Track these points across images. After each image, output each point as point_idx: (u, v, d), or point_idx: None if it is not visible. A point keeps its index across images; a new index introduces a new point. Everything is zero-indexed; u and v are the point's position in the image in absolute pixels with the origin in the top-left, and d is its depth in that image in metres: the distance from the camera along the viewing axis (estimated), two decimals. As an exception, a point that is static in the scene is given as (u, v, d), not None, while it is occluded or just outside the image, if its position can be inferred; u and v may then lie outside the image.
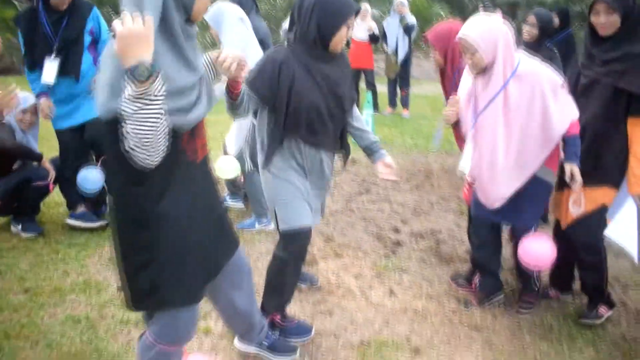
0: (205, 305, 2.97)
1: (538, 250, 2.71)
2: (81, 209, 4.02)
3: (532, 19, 4.16)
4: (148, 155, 1.56)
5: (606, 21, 2.60)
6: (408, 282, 3.46)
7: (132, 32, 1.47)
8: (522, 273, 3.09)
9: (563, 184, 2.83)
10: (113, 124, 1.56)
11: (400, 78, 8.84)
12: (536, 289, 3.15)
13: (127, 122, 1.50)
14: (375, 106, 8.58)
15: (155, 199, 1.74)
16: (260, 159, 2.58)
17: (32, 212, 3.95)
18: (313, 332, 2.79)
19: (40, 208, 4.06)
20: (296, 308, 3.07)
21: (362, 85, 8.73)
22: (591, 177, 2.72)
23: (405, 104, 8.99)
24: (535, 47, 3.92)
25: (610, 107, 2.67)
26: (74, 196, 3.99)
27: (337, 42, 2.39)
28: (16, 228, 3.88)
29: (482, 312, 3.13)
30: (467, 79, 2.89)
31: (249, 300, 2.36)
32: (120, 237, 1.82)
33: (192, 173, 1.82)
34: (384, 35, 8.63)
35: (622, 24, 2.60)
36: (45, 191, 3.92)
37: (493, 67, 2.64)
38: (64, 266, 3.46)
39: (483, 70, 2.68)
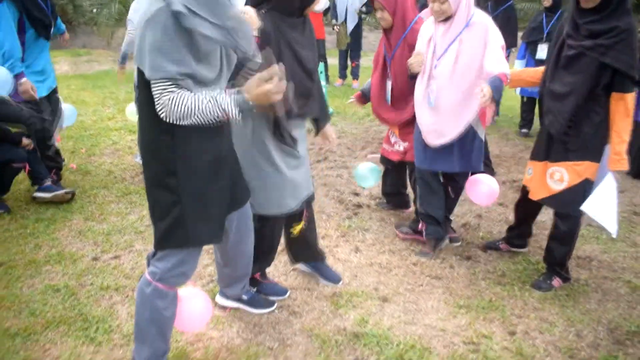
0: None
1: (483, 188, 3.37)
2: (47, 182, 4.02)
3: None
4: (184, 121, 1.82)
5: None
6: (371, 240, 3.68)
7: (278, 92, 1.79)
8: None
9: (541, 156, 3.00)
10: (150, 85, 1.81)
11: (351, 50, 8.99)
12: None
13: (195, 114, 1.79)
14: (326, 78, 8.72)
15: (181, 146, 1.93)
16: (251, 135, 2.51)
17: (3, 193, 3.94)
18: (288, 294, 2.97)
19: (8, 189, 4.03)
20: (270, 268, 3.23)
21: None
22: (573, 152, 2.83)
23: (355, 75, 9.17)
24: (551, 10, 4.46)
25: (593, 81, 2.70)
26: (42, 170, 4.02)
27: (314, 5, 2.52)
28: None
29: (441, 263, 3.39)
30: (427, 29, 3.23)
31: (249, 250, 2.54)
32: (150, 183, 2.03)
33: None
34: (333, 7, 8.72)
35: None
36: (19, 171, 3.93)
37: (455, 15, 3.04)
38: (34, 240, 3.49)
39: (446, 19, 3.06)
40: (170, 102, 1.79)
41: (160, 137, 1.93)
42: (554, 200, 2.97)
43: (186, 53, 1.79)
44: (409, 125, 3.52)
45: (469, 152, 3.23)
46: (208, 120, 1.82)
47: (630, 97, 2.70)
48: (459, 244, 3.66)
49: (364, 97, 3.84)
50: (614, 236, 2.83)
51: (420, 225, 3.59)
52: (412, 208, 4.01)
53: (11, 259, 3.25)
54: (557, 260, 3.13)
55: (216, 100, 1.79)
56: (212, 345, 2.54)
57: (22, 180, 4.32)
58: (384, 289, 3.08)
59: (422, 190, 3.43)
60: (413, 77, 3.31)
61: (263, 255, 2.81)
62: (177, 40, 1.77)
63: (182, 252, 2.09)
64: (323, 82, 7.11)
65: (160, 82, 1.79)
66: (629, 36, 2.59)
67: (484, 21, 3.03)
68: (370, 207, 4.22)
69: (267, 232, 2.74)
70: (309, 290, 3.03)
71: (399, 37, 3.42)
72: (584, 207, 2.79)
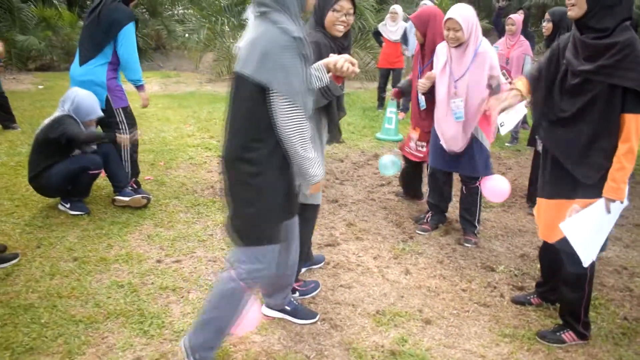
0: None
1: (495, 186, 3.86)
2: (127, 189, 4.38)
3: (547, 15, 4.61)
4: (295, 130, 2.20)
5: (573, 2, 2.49)
6: (423, 264, 3.70)
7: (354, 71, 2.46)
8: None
9: (546, 192, 2.79)
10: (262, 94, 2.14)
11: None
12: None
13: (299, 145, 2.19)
14: (399, 105, 8.81)
15: (267, 154, 2.21)
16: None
17: (83, 196, 4.32)
18: (319, 289, 3.18)
19: (89, 194, 4.42)
20: (318, 282, 3.34)
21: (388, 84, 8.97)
22: (586, 188, 2.57)
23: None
24: (551, 41, 4.45)
25: (603, 106, 2.48)
26: (122, 178, 4.40)
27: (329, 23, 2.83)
28: (64, 207, 4.23)
29: (491, 292, 3.36)
30: (441, 54, 3.80)
31: (293, 258, 2.71)
32: (236, 183, 2.28)
33: None
34: (404, 37, 8.83)
35: (590, 9, 2.45)
36: (97, 177, 4.31)
37: (468, 42, 3.59)
38: (107, 240, 3.80)
39: (460, 45, 3.61)
40: (294, 114, 2.13)
41: (254, 143, 2.20)
42: (562, 240, 2.66)
43: (307, 81, 2.19)
44: (429, 133, 4.16)
45: (476, 160, 3.84)
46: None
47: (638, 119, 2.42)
48: (470, 246, 4.01)
49: (400, 93, 4.55)
50: (585, 266, 2.63)
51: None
52: (424, 199, 4.71)
53: (85, 255, 3.55)
54: (568, 309, 2.84)
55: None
56: (253, 349, 2.67)
57: (104, 187, 4.70)
58: (429, 311, 3.09)
59: (432, 185, 4.26)
60: (423, 94, 4.03)
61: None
62: (304, 68, 2.15)
63: (263, 250, 2.33)
64: (394, 109, 7.22)
65: (288, 97, 2.11)
66: (632, 51, 2.37)
67: (488, 49, 3.64)
68: (427, 234, 4.24)
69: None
70: (353, 307, 3.10)
71: (429, 56, 4.05)
72: (562, 226, 2.59)
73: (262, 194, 2.25)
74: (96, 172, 4.23)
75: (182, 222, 4.19)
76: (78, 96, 4.08)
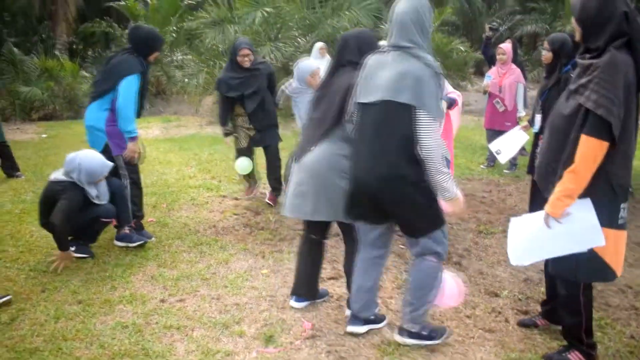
0: (238, 313, 3.30)
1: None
2: (125, 230, 4.41)
3: (545, 43, 4.64)
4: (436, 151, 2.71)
5: (573, 26, 2.55)
6: (427, 293, 3.70)
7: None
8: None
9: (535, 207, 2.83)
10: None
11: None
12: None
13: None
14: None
15: (421, 165, 2.71)
16: None
17: (91, 241, 4.35)
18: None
19: (96, 240, 4.45)
20: (321, 316, 3.35)
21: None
22: None
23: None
24: (551, 68, 4.51)
25: (575, 125, 2.46)
26: (126, 217, 4.45)
27: None
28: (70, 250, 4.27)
29: (496, 317, 3.35)
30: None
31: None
32: (405, 195, 2.72)
33: None
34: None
35: (583, 30, 2.50)
36: (107, 225, 4.38)
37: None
38: (111, 282, 3.82)
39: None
40: (438, 134, 2.67)
41: (411, 159, 2.68)
42: (553, 263, 2.68)
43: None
44: None
45: None
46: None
47: (592, 143, 2.36)
48: None
49: None
50: (512, 263, 2.77)
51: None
52: None
53: (90, 298, 3.57)
54: (569, 332, 2.80)
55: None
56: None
57: (107, 230, 4.74)
58: (434, 339, 3.08)
59: None
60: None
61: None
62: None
63: (444, 229, 2.88)
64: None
65: (436, 120, 2.64)
66: (602, 73, 2.34)
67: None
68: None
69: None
70: (359, 338, 3.09)
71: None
72: (512, 220, 2.83)
73: (431, 192, 2.74)
74: (107, 220, 4.29)
75: (185, 261, 4.22)
76: (82, 162, 4.03)
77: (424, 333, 2.94)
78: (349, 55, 3.07)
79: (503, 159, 4.47)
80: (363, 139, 2.76)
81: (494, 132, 6.53)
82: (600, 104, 2.33)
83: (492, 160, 7.28)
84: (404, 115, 2.61)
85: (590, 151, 2.38)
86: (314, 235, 3.36)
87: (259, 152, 5.80)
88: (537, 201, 2.86)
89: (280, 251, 4.42)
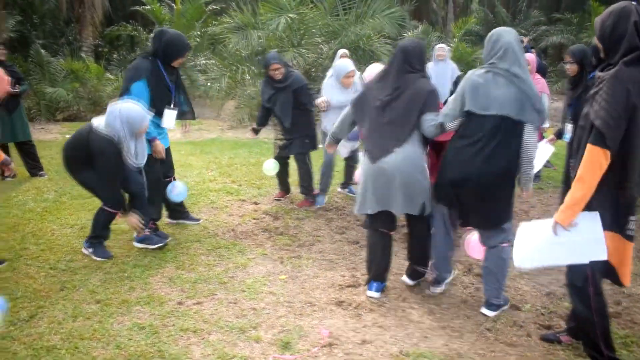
0: (255, 318, 3.27)
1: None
2: (145, 232, 4.42)
3: (567, 56, 4.55)
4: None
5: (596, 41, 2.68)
6: (447, 304, 3.64)
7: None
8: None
9: None
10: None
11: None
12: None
13: None
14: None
15: (517, 169, 3.32)
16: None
17: (103, 236, 4.35)
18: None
19: (110, 235, 4.45)
20: (338, 324, 3.30)
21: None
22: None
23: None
24: (577, 80, 4.45)
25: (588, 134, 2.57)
26: (145, 220, 4.42)
27: None
28: (87, 251, 4.29)
29: (517, 331, 3.27)
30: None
31: None
32: (497, 192, 3.26)
33: None
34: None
35: (604, 50, 2.61)
36: (112, 218, 4.35)
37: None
38: (130, 283, 3.82)
39: None
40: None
41: (511, 163, 3.23)
42: (569, 273, 2.81)
43: None
44: None
45: None
46: None
47: (595, 151, 2.46)
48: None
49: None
50: (515, 265, 2.89)
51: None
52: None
53: (108, 298, 3.57)
54: (588, 342, 2.83)
55: None
56: None
57: (127, 230, 4.76)
58: (453, 352, 3.02)
59: None
60: None
61: None
62: None
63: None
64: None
65: (537, 130, 3.23)
66: (606, 86, 2.46)
67: None
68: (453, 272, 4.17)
69: None
70: (376, 347, 3.04)
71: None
72: (522, 224, 2.87)
73: (514, 189, 3.34)
74: (111, 211, 4.27)
75: (203, 264, 4.20)
76: (122, 109, 4.02)
77: (502, 302, 3.51)
78: (416, 63, 3.51)
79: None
80: (474, 143, 3.21)
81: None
82: (599, 115, 2.45)
83: (537, 175, 7.15)
84: (516, 128, 3.16)
85: (593, 159, 2.47)
86: (386, 229, 3.66)
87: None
88: None
89: (298, 257, 4.39)
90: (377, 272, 3.73)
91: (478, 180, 3.21)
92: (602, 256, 2.56)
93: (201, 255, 4.40)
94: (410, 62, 3.50)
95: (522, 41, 8.05)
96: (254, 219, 5.38)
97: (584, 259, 2.61)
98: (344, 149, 5.46)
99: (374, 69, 4.65)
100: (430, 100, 3.42)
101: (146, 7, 14.92)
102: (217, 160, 8.35)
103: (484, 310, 3.47)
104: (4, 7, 13.41)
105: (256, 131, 5.91)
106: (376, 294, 3.66)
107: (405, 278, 3.87)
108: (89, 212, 5.25)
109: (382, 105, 3.49)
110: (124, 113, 4.00)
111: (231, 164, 8.01)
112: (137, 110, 4.07)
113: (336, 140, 4.08)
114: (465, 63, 12.64)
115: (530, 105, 3.13)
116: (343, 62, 5.59)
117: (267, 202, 5.95)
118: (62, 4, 18.11)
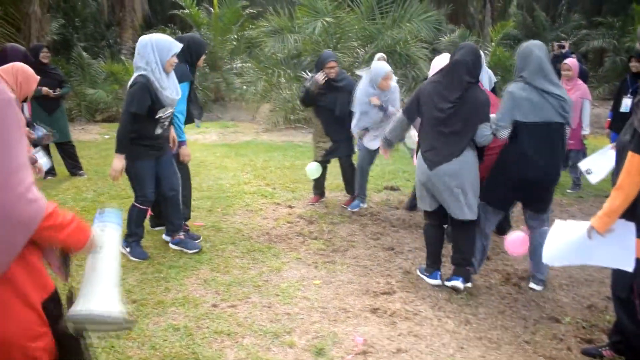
0: (289, 322, 3.26)
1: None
2: (180, 236, 4.46)
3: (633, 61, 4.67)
4: None
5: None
6: (484, 314, 3.56)
7: None
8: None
9: None
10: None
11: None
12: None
13: None
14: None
15: None
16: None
17: (137, 234, 4.39)
18: None
19: (144, 234, 4.51)
20: (373, 332, 3.26)
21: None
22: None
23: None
24: None
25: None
26: (177, 223, 4.48)
27: None
28: (125, 250, 4.35)
29: (557, 344, 3.18)
30: None
31: None
32: (550, 188, 3.79)
33: None
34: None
35: None
36: (143, 214, 4.42)
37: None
38: (165, 284, 3.85)
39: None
40: None
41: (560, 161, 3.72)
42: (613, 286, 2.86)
43: None
44: None
45: None
46: None
47: (636, 160, 2.44)
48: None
49: None
50: (543, 261, 2.97)
51: None
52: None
53: (144, 298, 3.61)
54: (633, 357, 2.80)
55: None
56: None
57: (162, 231, 4.81)
58: (491, 363, 2.95)
59: None
60: None
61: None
62: None
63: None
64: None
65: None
66: None
67: None
68: (487, 283, 4.09)
69: None
70: (411, 357, 2.99)
71: None
72: (556, 222, 2.88)
73: None
74: (142, 207, 4.31)
75: (238, 267, 4.22)
76: (152, 37, 4.03)
77: (545, 277, 3.94)
78: (476, 74, 3.71)
79: (594, 179, 4.26)
80: (537, 148, 3.54)
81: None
82: None
83: (577, 184, 6.96)
84: (561, 130, 3.59)
85: (633, 167, 2.45)
86: (438, 222, 3.98)
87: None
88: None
89: (333, 262, 4.36)
90: (437, 261, 4.00)
91: (544, 176, 3.60)
92: (629, 267, 2.55)
93: (236, 258, 4.42)
94: (471, 72, 3.69)
95: (562, 46, 7.92)
96: (289, 222, 5.38)
97: (612, 265, 2.68)
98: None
99: (441, 61, 4.45)
100: (486, 111, 3.67)
101: (185, 10, 15.15)
102: (252, 162, 8.40)
103: (532, 285, 3.93)
104: (47, 11, 13.78)
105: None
106: (461, 284, 3.82)
107: (454, 282, 3.83)
108: (126, 212, 5.33)
109: (444, 116, 3.67)
110: (154, 39, 4.00)
111: (266, 167, 8.04)
112: (166, 38, 4.06)
113: (390, 145, 4.24)
114: (503, 68, 12.45)
115: (563, 109, 3.53)
116: (380, 64, 5.56)
117: (301, 206, 5.95)
118: (104, 7, 18.57)
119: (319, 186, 6.07)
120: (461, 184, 3.67)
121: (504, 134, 3.62)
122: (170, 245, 4.53)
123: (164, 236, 4.66)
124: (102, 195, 6.22)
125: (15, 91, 3.66)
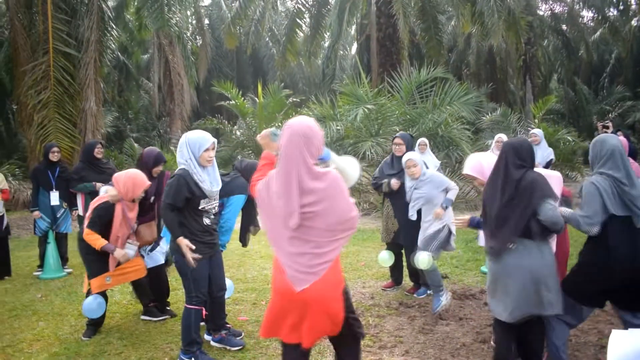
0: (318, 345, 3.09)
1: None
2: (221, 334, 4.46)
3: None
4: None
5: None
6: None
7: None
8: None
9: None
10: None
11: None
12: None
13: None
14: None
15: None
16: None
17: (198, 343, 4.16)
18: None
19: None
20: None
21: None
22: None
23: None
24: None
25: None
26: (220, 322, 4.46)
27: None
28: (209, 337, 4.50)
29: None
30: None
31: None
32: None
33: None
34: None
35: None
36: (199, 315, 4.30)
37: None
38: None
39: None
40: None
41: None
42: None
43: None
44: None
45: None
46: None
47: None
48: None
49: None
50: None
51: None
52: None
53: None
54: None
55: None
56: None
57: (202, 327, 4.76)
58: None
59: None
60: None
61: None
62: None
63: None
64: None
65: None
66: None
67: None
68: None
69: None
70: None
71: None
72: (614, 332, 2.72)
73: None
74: (196, 308, 4.17)
75: (282, 366, 4.08)
76: (188, 134, 4.17)
77: None
78: (529, 159, 3.56)
79: None
80: (628, 241, 3.44)
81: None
82: None
83: None
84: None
85: None
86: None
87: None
88: None
89: (380, 360, 4.19)
90: None
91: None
92: None
93: (280, 356, 4.29)
94: (523, 159, 3.56)
95: (607, 126, 7.77)
96: (334, 315, 5.24)
97: None
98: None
99: (489, 160, 4.13)
100: (545, 187, 3.47)
101: (231, 102, 15.82)
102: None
103: None
104: (102, 105, 14.62)
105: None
106: None
107: None
108: (171, 306, 5.33)
109: (498, 203, 3.53)
110: (188, 137, 4.10)
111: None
112: (199, 135, 4.13)
113: None
114: (548, 144, 12.29)
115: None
116: (406, 155, 5.47)
117: (383, 289, 5.94)
118: (155, 101, 19.61)
119: (394, 273, 6.12)
120: (540, 274, 3.51)
121: (596, 230, 3.50)
122: (212, 343, 4.45)
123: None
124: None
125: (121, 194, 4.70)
